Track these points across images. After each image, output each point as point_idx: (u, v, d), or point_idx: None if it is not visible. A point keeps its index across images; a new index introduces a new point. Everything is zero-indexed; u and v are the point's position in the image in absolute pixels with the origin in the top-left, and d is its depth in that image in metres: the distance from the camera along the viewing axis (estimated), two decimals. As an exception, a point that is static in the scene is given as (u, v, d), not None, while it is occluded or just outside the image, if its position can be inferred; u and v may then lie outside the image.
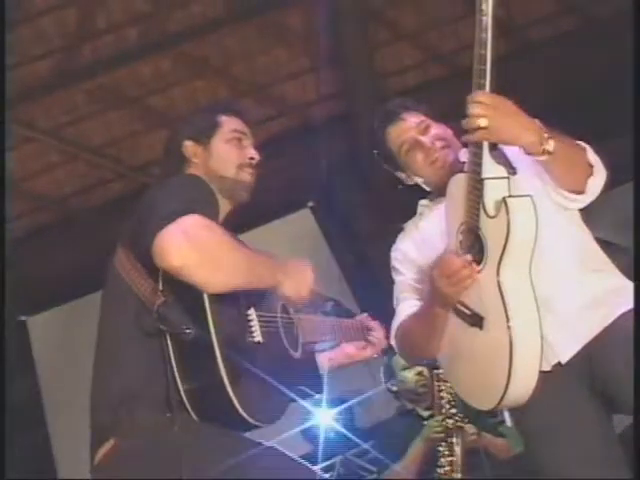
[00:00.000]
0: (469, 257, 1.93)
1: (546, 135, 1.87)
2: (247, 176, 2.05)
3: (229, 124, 2.08)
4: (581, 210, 2.17)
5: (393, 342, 2.24)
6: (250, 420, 1.70)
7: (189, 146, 2.03)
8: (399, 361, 3.71)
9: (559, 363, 2.01)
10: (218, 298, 1.71)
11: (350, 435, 5.34)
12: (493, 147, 1.90)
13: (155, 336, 1.69)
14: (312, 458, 5.10)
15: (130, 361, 1.77)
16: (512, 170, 1.98)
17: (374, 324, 2.36)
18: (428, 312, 2.07)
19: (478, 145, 1.88)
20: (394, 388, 3.87)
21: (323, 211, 6.20)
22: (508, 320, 1.88)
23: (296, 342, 1.92)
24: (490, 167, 1.90)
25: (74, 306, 5.64)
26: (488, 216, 1.92)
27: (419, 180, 2.29)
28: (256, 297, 1.84)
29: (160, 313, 1.64)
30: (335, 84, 5.89)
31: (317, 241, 6.03)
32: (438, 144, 2.21)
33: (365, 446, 5.22)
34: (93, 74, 5.19)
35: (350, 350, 2.28)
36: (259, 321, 1.79)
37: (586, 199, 2.07)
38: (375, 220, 5.79)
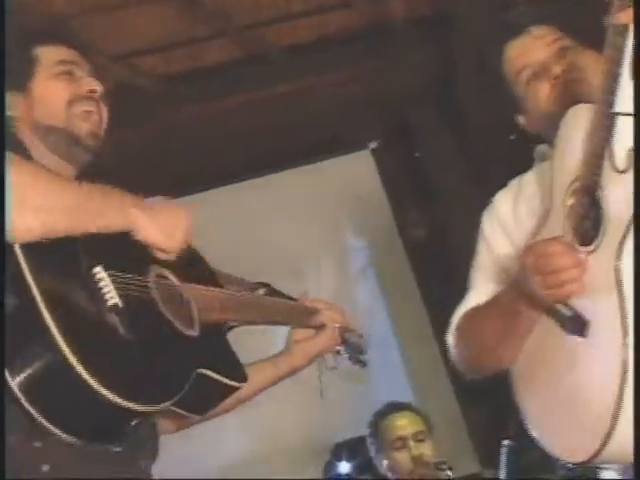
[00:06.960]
0: (578, 248, 1.60)
1: None
2: (82, 118, 1.82)
3: (51, 56, 1.87)
4: None
5: (450, 339, 1.97)
6: (118, 400, 1.46)
7: (7, 99, 1.81)
8: (389, 430, 3.35)
9: None
10: (39, 253, 1.50)
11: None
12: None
13: None
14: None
15: None
16: None
17: (320, 303, 2.18)
18: (508, 305, 1.78)
19: (616, 61, 1.54)
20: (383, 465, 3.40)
21: (388, 156, 5.73)
22: (625, 328, 1.53)
23: (189, 317, 1.74)
24: (630, 98, 1.55)
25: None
26: (615, 170, 1.59)
27: (541, 126, 1.88)
28: (105, 253, 1.64)
29: None
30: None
31: (374, 194, 5.59)
32: (572, 75, 1.80)
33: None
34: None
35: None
36: (113, 282, 1.60)
37: None
38: (462, 177, 5.27)
